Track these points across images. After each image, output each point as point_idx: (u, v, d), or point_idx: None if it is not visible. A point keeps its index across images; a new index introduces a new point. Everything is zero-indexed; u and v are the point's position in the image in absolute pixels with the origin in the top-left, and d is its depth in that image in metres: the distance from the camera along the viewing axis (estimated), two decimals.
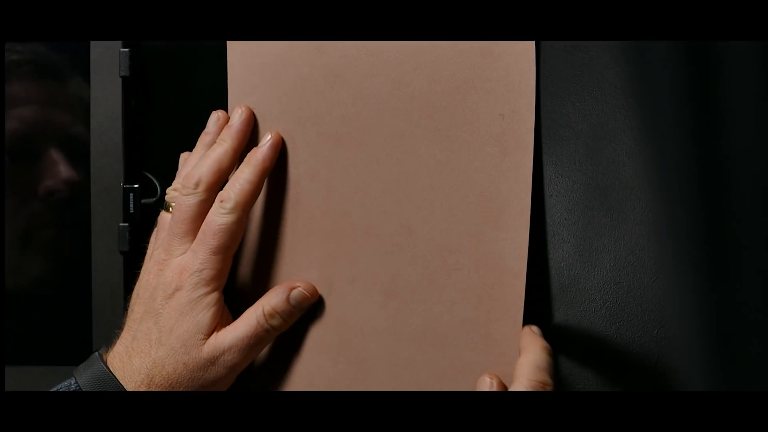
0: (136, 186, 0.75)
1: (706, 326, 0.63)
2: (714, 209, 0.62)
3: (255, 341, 0.67)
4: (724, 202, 0.62)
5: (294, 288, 0.69)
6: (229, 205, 0.67)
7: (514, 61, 0.65)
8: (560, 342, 0.66)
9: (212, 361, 0.66)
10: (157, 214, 0.72)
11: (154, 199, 0.76)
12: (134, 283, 0.70)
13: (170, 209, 0.70)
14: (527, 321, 0.65)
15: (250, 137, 0.71)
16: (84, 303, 0.76)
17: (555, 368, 0.62)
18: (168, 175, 0.73)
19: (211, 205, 0.68)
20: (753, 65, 0.62)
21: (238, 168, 0.69)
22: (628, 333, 0.65)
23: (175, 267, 0.67)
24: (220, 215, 0.67)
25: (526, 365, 0.61)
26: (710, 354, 0.63)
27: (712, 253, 0.62)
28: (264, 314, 0.67)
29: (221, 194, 0.68)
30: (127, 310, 0.70)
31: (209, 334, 0.67)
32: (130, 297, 0.70)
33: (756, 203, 0.62)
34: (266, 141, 0.70)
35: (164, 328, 0.66)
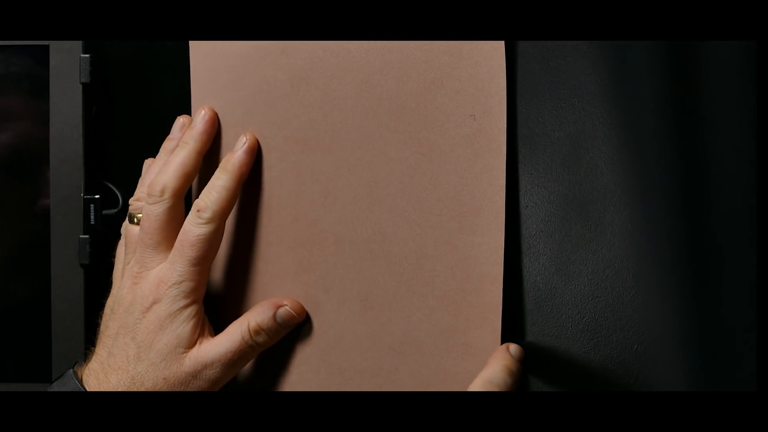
0: (97, 196, 0.74)
1: (688, 341, 0.62)
2: (696, 221, 0.61)
3: (238, 356, 0.67)
4: (706, 214, 0.61)
5: (281, 306, 0.68)
6: (206, 215, 0.66)
7: (484, 59, 0.64)
8: (535, 358, 0.65)
9: (194, 375, 0.66)
10: (119, 226, 0.71)
11: (116, 210, 0.75)
12: (99, 297, 0.70)
13: (135, 220, 0.69)
14: (503, 335, 0.64)
15: (214, 140, 0.70)
16: (43, 317, 0.75)
17: (517, 388, 0.62)
18: (130, 185, 0.72)
19: (180, 211, 0.68)
20: (735, 72, 0.61)
21: (213, 174, 0.69)
22: (606, 349, 0.64)
23: (152, 279, 0.67)
24: (197, 225, 0.66)
25: (479, 381, 0.61)
26: (692, 370, 0.62)
27: (693, 266, 0.62)
28: (249, 330, 0.67)
29: (197, 203, 0.67)
30: (98, 326, 0.69)
31: (190, 347, 0.66)
32: (102, 313, 0.69)
33: (739, 214, 0.61)
34: (241, 145, 0.69)
35: (143, 342, 0.66)
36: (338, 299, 0.68)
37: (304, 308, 0.69)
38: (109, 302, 0.69)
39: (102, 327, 0.69)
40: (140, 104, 0.76)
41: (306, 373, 0.69)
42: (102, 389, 0.65)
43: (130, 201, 0.70)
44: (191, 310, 0.66)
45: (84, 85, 0.73)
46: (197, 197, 0.68)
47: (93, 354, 0.68)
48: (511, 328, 0.65)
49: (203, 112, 0.70)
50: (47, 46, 0.73)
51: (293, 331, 0.69)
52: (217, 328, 0.69)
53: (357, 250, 0.68)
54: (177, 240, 0.67)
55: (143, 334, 0.66)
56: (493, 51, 0.64)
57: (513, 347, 0.64)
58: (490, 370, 0.62)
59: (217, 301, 0.71)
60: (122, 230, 0.71)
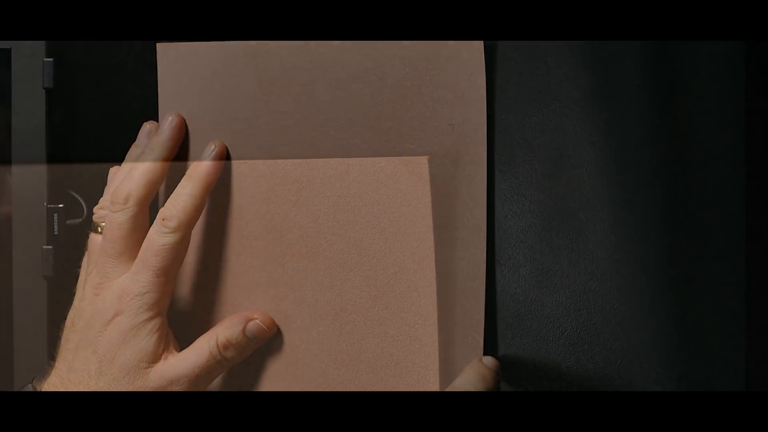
0: (60, 206, 0.74)
1: (673, 355, 0.61)
2: (682, 231, 0.61)
3: (206, 372, 0.66)
4: (693, 224, 0.61)
5: (251, 320, 0.68)
6: (172, 224, 0.66)
7: (463, 66, 0.63)
8: (515, 372, 0.65)
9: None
10: (85, 236, 0.70)
11: (80, 219, 0.74)
12: (62, 310, 0.69)
13: (99, 229, 0.68)
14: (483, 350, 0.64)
15: (182, 148, 0.70)
16: (5, 330, 0.74)
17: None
18: (95, 194, 0.71)
19: (144, 220, 0.67)
20: (722, 77, 0.60)
21: (180, 181, 0.68)
22: (589, 364, 0.63)
23: (115, 291, 0.66)
24: (162, 234, 0.66)
25: (450, 388, 0.62)
26: (678, 385, 0.61)
27: (680, 278, 0.61)
28: (217, 345, 0.67)
29: (163, 211, 0.66)
30: (58, 340, 0.68)
31: (154, 362, 0.65)
32: (63, 326, 0.68)
33: (728, 225, 0.60)
34: (210, 152, 0.68)
35: (104, 357, 0.65)
36: (311, 313, 0.67)
37: (275, 322, 0.68)
38: (70, 315, 0.68)
39: (62, 340, 0.68)
40: (105, 110, 0.75)
41: (278, 389, 0.68)
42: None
43: (94, 209, 0.69)
44: (155, 323, 0.65)
45: (47, 90, 0.73)
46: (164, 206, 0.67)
47: (52, 368, 0.67)
48: (490, 342, 0.65)
49: (170, 118, 0.69)
50: (9, 50, 0.73)
51: (264, 345, 0.68)
52: (184, 342, 0.68)
53: (331, 263, 0.67)
54: (141, 250, 0.66)
55: (105, 347, 0.65)
56: (472, 57, 0.63)
57: (486, 358, 0.64)
58: (460, 379, 0.62)
59: (183, 315, 0.71)
60: (88, 241, 0.70)
